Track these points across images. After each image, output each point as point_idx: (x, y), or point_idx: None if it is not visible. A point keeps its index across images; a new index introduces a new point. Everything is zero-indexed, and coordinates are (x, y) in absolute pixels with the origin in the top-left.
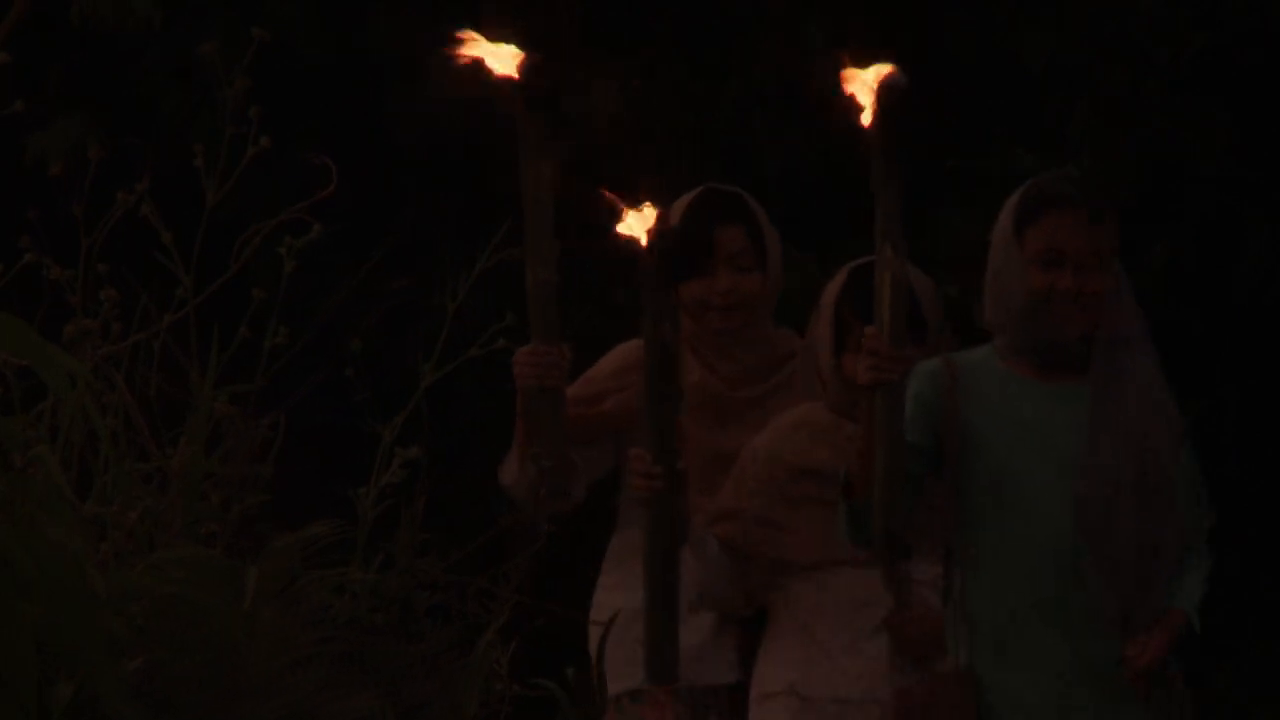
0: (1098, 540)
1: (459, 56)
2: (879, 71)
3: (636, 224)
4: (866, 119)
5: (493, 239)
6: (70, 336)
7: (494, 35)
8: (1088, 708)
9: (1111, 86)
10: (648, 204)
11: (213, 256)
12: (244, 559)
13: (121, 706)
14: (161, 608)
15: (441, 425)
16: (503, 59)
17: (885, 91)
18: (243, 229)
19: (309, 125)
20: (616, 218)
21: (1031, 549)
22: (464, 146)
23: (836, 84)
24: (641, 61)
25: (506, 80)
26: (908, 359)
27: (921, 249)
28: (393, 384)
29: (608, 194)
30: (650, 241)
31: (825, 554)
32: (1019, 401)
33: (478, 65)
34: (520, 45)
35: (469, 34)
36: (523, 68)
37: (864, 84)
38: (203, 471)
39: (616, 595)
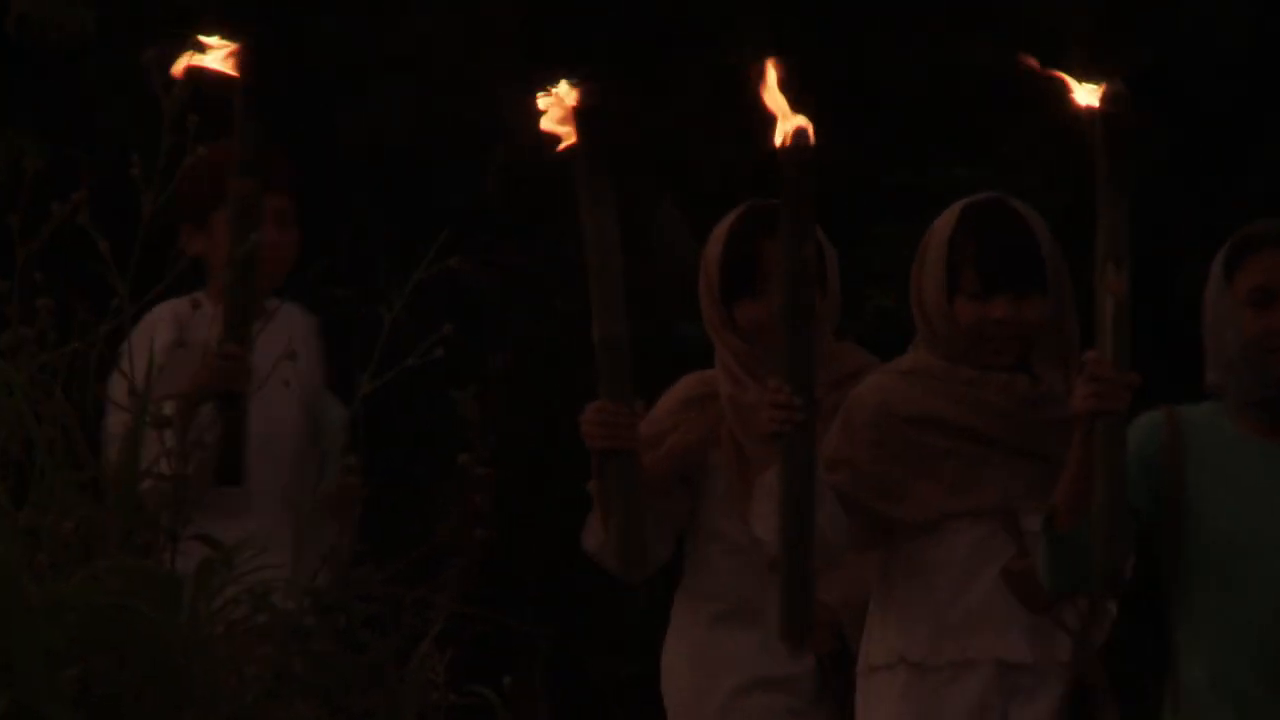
0: None
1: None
2: (1100, 85)
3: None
4: (1095, 128)
5: (430, 249)
6: (6, 346)
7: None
8: None
9: (1051, 102)
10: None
11: (151, 266)
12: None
13: (59, 717)
14: (99, 618)
15: (380, 435)
16: (553, 105)
17: (1114, 102)
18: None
19: None
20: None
21: (1253, 616)
22: (403, 156)
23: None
24: (579, 76)
25: (562, 122)
26: (1133, 384)
27: (858, 263)
28: (332, 393)
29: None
30: (788, 151)
31: (941, 508)
32: (1245, 462)
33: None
34: (572, 86)
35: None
36: (578, 111)
37: (1089, 95)
38: (140, 481)
39: (683, 670)
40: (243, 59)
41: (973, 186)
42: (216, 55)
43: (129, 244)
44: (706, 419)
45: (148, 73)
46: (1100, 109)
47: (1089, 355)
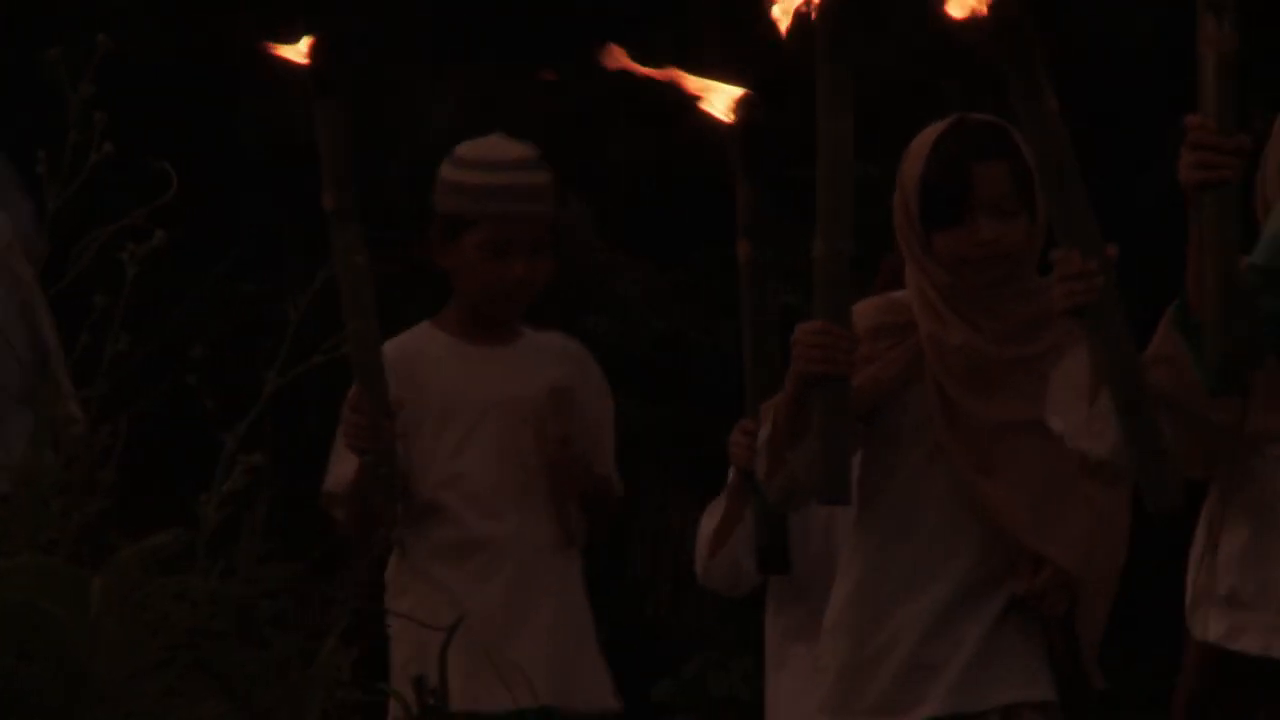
0: None
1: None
2: None
3: None
4: None
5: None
6: None
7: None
8: None
9: (952, 97)
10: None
11: (56, 263)
12: (87, 566)
13: None
14: (4, 616)
15: (286, 433)
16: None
17: None
18: (88, 236)
19: (155, 132)
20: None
21: None
22: (311, 152)
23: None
24: (484, 70)
25: (803, 13)
26: (1242, 149)
27: (767, 259)
28: (239, 392)
29: None
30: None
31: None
32: None
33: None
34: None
35: None
36: (823, 11)
37: None
38: (45, 478)
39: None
40: (744, 113)
41: (879, 182)
42: (720, 102)
43: None
44: (905, 352)
45: (53, 70)
46: None
47: (1188, 120)
